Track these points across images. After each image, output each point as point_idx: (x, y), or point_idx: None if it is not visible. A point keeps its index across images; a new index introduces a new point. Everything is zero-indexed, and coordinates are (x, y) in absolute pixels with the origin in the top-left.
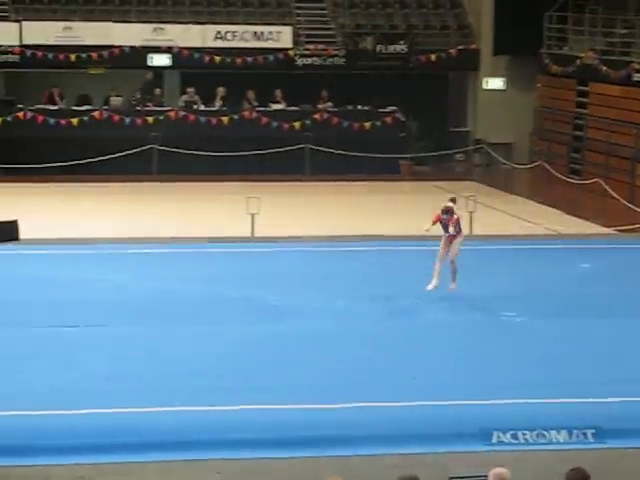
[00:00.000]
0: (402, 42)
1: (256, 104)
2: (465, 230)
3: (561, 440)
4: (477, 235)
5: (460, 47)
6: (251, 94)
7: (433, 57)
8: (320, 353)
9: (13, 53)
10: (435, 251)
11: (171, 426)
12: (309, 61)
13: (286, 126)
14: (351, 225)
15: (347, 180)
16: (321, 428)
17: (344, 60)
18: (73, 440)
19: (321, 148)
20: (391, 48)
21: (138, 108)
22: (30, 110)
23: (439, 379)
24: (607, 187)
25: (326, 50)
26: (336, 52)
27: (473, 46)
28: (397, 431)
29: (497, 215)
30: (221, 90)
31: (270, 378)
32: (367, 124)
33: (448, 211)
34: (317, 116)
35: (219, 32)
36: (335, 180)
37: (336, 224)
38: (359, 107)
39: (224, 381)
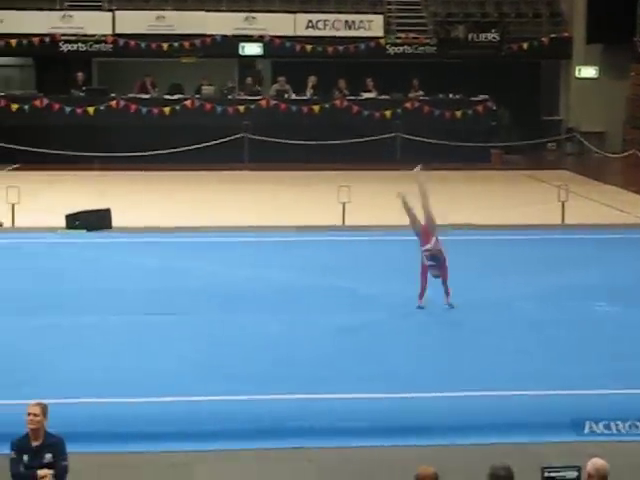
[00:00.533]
0: (494, 30)
1: (347, 93)
2: (557, 219)
3: None
4: (569, 224)
5: (552, 35)
6: (342, 83)
7: (525, 45)
8: (412, 342)
9: (106, 42)
10: (533, 240)
11: (265, 414)
12: (400, 50)
13: (377, 115)
14: (442, 213)
15: (437, 169)
16: (414, 417)
17: (435, 49)
18: (167, 427)
19: (412, 137)
20: (483, 36)
21: (230, 97)
22: (123, 99)
23: (531, 368)
24: None
25: (417, 39)
26: (427, 40)
27: (565, 34)
28: (489, 420)
29: (589, 204)
30: (312, 79)
31: (364, 366)
32: (458, 113)
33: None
34: (408, 105)
35: (310, 21)
36: (426, 169)
37: None
38: (450, 96)
39: (317, 369)
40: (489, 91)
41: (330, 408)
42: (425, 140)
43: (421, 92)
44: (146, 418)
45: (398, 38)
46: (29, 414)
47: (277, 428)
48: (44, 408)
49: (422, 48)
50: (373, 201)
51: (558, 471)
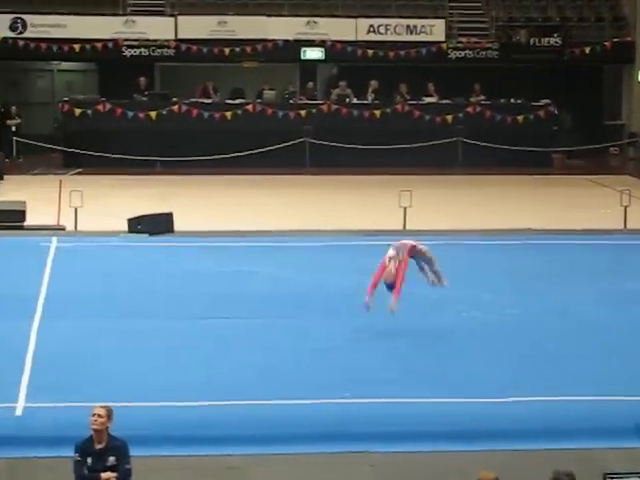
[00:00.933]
0: (556, 35)
1: (408, 97)
2: (619, 224)
3: None
4: (631, 229)
5: (615, 39)
6: (403, 87)
7: (587, 50)
8: (480, 347)
9: (169, 47)
10: (595, 245)
11: (325, 418)
12: (462, 54)
13: (438, 119)
14: (503, 218)
15: (499, 173)
16: (476, 422)
17: (497, 53)
18: (225, 430)
19: (473, 141)
20: (545, 41)
21: (291, 101)
22: (185, 104)
23: (594, 373)
24: None
25: (479, 43)
26: (489, 45)
27: (628, 38)
28: (552, 426)
29: None
30: (373, 83)
31: (429, 371)
32: (520, 117)
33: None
34: (470, 109)
35: (372, 25)
36: (487, 173)
37: (488, 217)
38: (512, 100)
39: (382, 373)
40: (551, 95)
41: (393, 412)
42: (486, 145)
43: (482, 96)
44: (205, 421)
45: (460, 42)
46: (93, 415)
47: (338, 432)
48: (109, 411)
49: (484, 52)
50: (434, 206)
51: (621, 477)
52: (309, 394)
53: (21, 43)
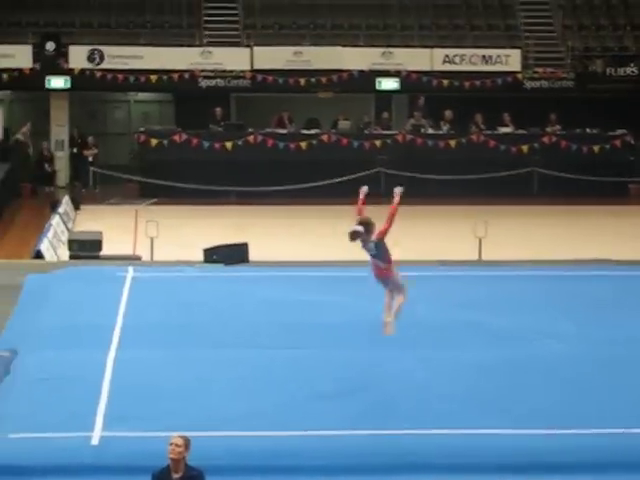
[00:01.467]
0: (632, 64)
1: (484, 127)
2: None
3: None
4: None
5: None
6: (479, 117)
7: None
8: (551, 376)
9: (244, 78)
10: None
11: (395, 449)
12: (537, 84)
13: (514, 149)
14: (579, 248)
15: (575, 203)
16: (558, 454)
17: (573, 83)
18: (301, 460)
19: (549, 171)
20: (621, 70)
21: (366, 132)
22: (260, 134)
23: None
24: None
25: (555, 73)
26: (565, 75)
27: None
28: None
29: None
30: (448, 113)
31: (508, 402)
32: (596, 147)
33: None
34: (545, 139)
35: (447, 55)
36: (563, 203)
37: (563, 247)
38: (588, 130)
39: (451, 404)
40: (627, 125)
41: (458, 443)
42: (562, 175)
43: (558, 126)
44: (280, 451)
45: (535, 72)
46: (171, 444)
47: (408, 463)
48: (187, 440)
49: (559, 82)
50: (510, 236)
51: None
52: (378, 424)
53: (98, 74)
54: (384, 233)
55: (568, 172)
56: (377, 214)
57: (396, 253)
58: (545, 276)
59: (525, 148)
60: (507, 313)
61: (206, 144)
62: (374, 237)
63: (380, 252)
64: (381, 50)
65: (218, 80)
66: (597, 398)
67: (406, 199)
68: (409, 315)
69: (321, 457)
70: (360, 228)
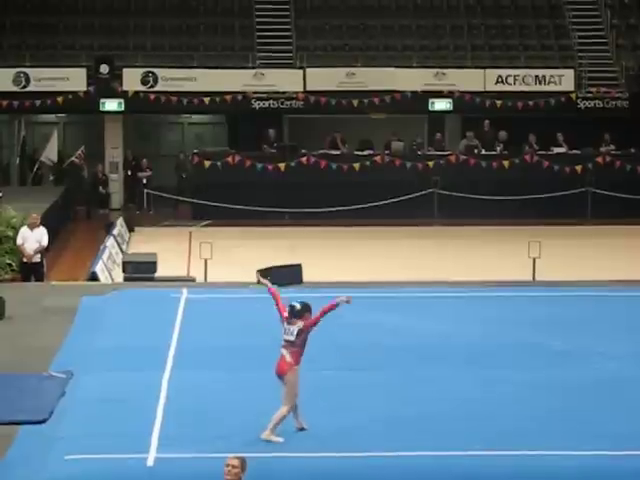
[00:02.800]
0: None
1: (537, 147)
2: None
3: None
4: None
5: None
6: (532, 137)
7: None
8: (609, 399)
9: (297, 99)
10: None
11: (458, 470)
12: (591, 104)
13: (567, 170)
14: (635, 268)
15: (629, 223)
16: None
17: (627, 102)
18: None
19: (603, 191)
20: None
21: (419, 152)
22: (313, 155)
23: None
24: None
25: (609, 93)
26: (619, 95)
27: None
28: None
29: None
30: (502, 134)
31: (561, 423)
32: None
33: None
34: (599, 159)
35: (500, 76)
36: (617, 224)
37: (618, 267)
38: None
39: (512, 426)
40: None
41: (525, 464)
42: (616, 195)
43: (612, 146)
44: (336, 473)
45: (589, 92)
46: (227, 465)
47: None
48: (243, 461)
49: (613, 102)
50: (564, 256)
51: None
52: (437, 445)
53: (152, 97)
54: (313, 324)
55: (622, 192)
56: (429, 234)
57: (450, 274)
58: (600, 296)
59: (579, 168)
60: (564, 334)
61: (259, 166)
62: (301, 323)
63: (297, 342)
64: (434, 71)
65: (271, 102)
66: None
67: (459, 219)
68: (467, 336)
69: (376, 478)
70: (298, 305)
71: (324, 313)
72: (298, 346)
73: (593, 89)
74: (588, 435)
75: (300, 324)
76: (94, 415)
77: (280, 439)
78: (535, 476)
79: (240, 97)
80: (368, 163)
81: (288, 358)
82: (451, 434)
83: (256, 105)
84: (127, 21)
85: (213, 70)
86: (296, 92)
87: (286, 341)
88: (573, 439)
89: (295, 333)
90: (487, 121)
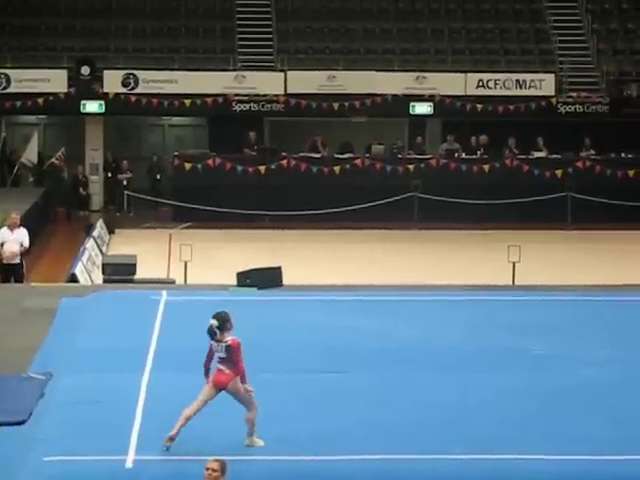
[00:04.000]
0: None
1: (517, 152)
2: None
3: None
4: None
5: None
6: (512, 142)
7: None
8: (588, 403)
9: (278, 102)
10: None
11: (434, 474)
12: (572, 108)
13: (548, 174)
14: (614, 273)
15: (609, 229)
16: None
17: (607, 107)
18: None
19: (583, 196)
20: None
21: (400, 156)
22: (294, 158)
23: None
24: None
25: (589, 97)
26: (600, 99)
27: None
28: None
29: None
30: (483, 138)
31: (539, 428)
32: (631, 172)
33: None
34: (579, 164)
35: (481, 80)
36: (597, 228)
37: (597, 272)
38: (622, 155)
39: (490, 430)
40: None
41: (504, 467)
42: (597, 200)
43: (593, 151)
44: (315, 475)
45: (570, 97)
46: (207, 469)
47: None
48: (223, 464)
49: (594, 107)
50: (543, 261)
51: None
52: (417, 449)
53: (133, 98)
54: (238, 348)
55: (603, 197)
56: (409, 238)
57: (429, 278)
58: (579, 301)
59: (559, 173)
60: (543, 338)
61: (240, 168)
62: (230, 339)
63: (229, 358)
64: (415, 75)
65: (252, 104)
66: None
67: (440, 223)
68: (446, 340)
69: None
70: (215, 322)
71: (240, 369)
72: (232, 361)
73: (574, 94)
74: (567, 440)
75: (228, 339)
76: (73, 416)
77: (261, 442)
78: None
79: (221, 99)
80: (348, 166)
81: (226, 371)
82: (430, 438)
83: (237, 108)
84: (108, 23)
85: (194, 72)
86: (277, 95)
87: (220, 358)
88: (552, 443)
89: (224, 350)
90: (485, 136)
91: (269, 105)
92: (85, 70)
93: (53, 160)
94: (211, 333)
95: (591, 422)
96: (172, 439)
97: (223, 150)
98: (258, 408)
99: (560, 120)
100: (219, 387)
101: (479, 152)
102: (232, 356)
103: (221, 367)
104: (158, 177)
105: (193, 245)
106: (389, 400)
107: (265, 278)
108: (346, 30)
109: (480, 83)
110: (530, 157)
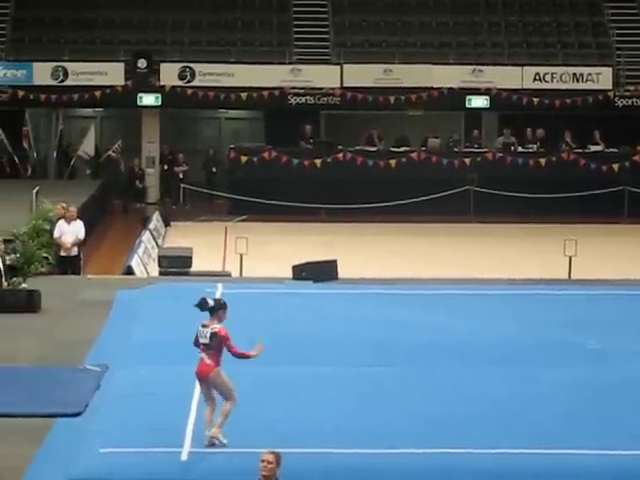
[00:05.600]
0: None
1: (574, 145)
2: None
3: None
4: None
5: None
6: (569, 135)
7: None
8: None
9: (334, 95)
10: None
11: (487, 468)
12: (629, 102)
13: (604, 168)
14: None
15: None
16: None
17: None
18: (388, 478)
19: None
20: None
21: (456, 149)
22: (349, 151)
23: None
24: None
25: None
26: None
27: None
28: None
29: None
30: (539, 131)
31: (593, 423)
32: None
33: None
34: (637, 157)
35: (538, 73)
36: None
37: None
38: None
39: (544, 425)
40: None
41: (555, 463)
42: None
43: None
44: (368, 468)
45: (627, 90)
46: (263, 461)
47: None
48: (278, 457)
49: None
50: (600, 255)
51: None
52: (468, 443)
53: (189, 91)
54: (227, 343)
55: None
56: (465, 231)
57: (485, 272)
58: (635, 295)
59: (616, 166)
60: (599, 333)
61: (295, 161)
62: (217, 327)
63: (212, 345)
64: (471, 68)
65: (308, 97)
66: None
67: (496, 217)
68: (500, 333)
69: (408, 475)
70: (211, 302)
71: (236, 354)
72: (214, 349)
73: (631, 87)
74: (621, 435)
75: (215, 327)
76: (129, 409)
77: (225, 440)
78: (564, 475)
79: (277, 92)
80: (404, 160)
81: (207, 361)
82: (481, 432)
83: (293, 101)
84: (165, 16)
85: (250, 65)
86: (333, 88)
87: (202, 344)
88: (606, 439)
89: (209, 336)
90: (541, 130)
91: (325, 98)
92: (142, 63)
93: (110, 153)
94: (201, 306)
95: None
96: (213, 444)
97: (279, 143)
98: (237, 402)
99: (617, 114)
100: (200, 377)
101: (535, 146)
102: (215, 344)
103: (203, 355)
104: (214, 170)
105: (249, 238)
106: (441, 394)
107: (320, 271)
108: (402, 23)
109: (537, 76)
110: (587, 151)
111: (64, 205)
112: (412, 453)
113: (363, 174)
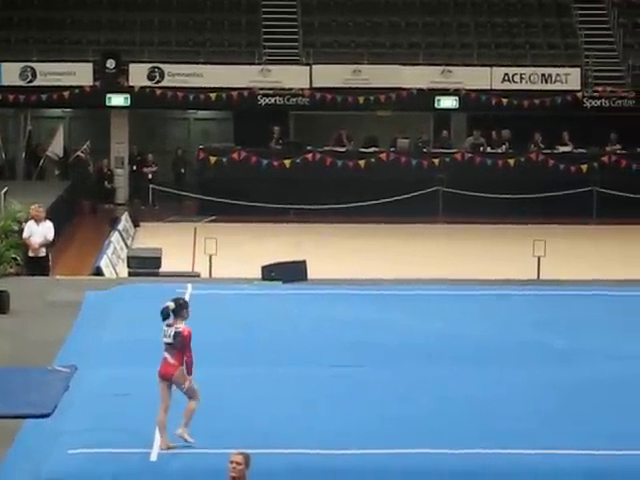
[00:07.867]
0: None
1: (543, 146)
2: None
3: None
4: None
5: None
6: (538, 136)
7: None
8: (610, 398)
9: (303, 96)
10: None
11: (459, 468)
12: (597, 103)
13: (573, 169)
14: (638, 269)
15: (635, 223)
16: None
17: (633, 101)
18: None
19: (609, 191)
20: None
21: (425, 150)
22: (319, 152)
23: None
24: None
25: (615, 92)
26: (625, 94)
27: None
28: None
29: None
30: (506, 132)
31: (565, 422)
32: None
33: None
34: (605, 158)
35: (507, 74)
36: (622, 223)
37: (622, 267)
38: None
39: (517, 425)
40: None
41: (528, 462)
42: (622, 194)
43: (618, 146)
44: (339, 469)
45: (595, 91)
46: (232, 462)
47: None
48: (247, 458)
49: (620, 101)
50: (568, 256)
51: None
52: (441, 443)
53: (158, 92)
54: (188, 338)
55: (628, 192)
56: (434, 232)
57: (453, 272)
58: (604, 296)
59: (584, 167)
60: (567, 333)
61: (265, 162)
62: (181, 327)
63: (176, 345)
64: (440, 68)
65: (277, 98)
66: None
67: (465, 217)
68: (470, 334)
69: (379, 476)
70: (171, 305)
71: (188, 360)
72: (178, 349)
73: (599, 88)
74: (590, 434)
75: (179, 327)
76: (98, 409)
77: (192, 439)
78: (539, 475)
79: (246, 93)
80: (373, 160)
81: (171, 360)
82: (453, 432)
83: (262, 101)
84: (134, 16)
85: (219, 66)
86: (302, 89)
87: (166, 344)
88: (575, 438)
89: (172, 335)
90: (507, 130)
91: (294, 99)
92: (110, 63)
93: (78, 153)
94: (164, 315)
95: (614, 417)
96: (169, 447)
97: (248, 144)
98: (201, 400)
99: (585, 115)
100: (165, 378)
101: (503, 146)
102: (179, 344)
103: (166, 355)
104: (183, 170)
105: (218, 238)
106: (412, 395)
107: (290, 272)
108: (371, 24)
109: (506, 77)
110: (555, 152)
111: (37, 206)
112: (385, 454)
113: (332, 174)
